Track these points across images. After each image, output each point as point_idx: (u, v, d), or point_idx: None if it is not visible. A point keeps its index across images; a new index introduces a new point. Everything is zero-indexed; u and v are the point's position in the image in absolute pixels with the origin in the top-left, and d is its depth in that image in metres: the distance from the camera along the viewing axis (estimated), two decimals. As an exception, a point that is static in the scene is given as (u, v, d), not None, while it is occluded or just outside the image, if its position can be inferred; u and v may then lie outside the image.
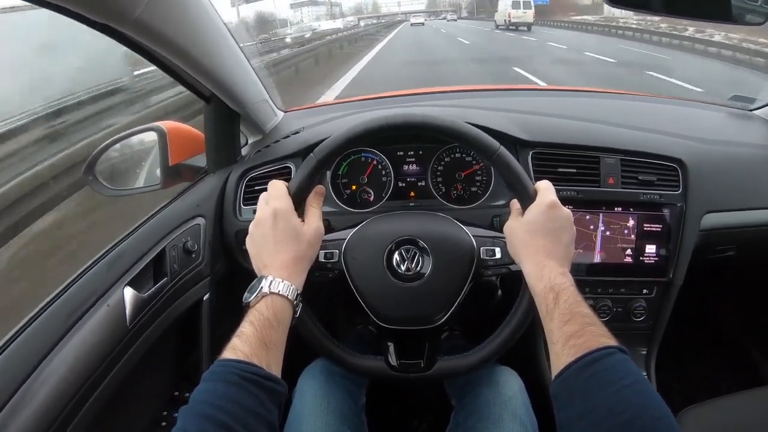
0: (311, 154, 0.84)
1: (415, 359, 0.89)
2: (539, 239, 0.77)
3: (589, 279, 1.12)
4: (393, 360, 0.89)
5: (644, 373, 1.21)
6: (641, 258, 1.11)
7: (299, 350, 0.91)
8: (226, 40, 0.97)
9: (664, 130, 1.20)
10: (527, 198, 0.80)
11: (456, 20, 58.29)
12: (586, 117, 1.23)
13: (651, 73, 10.04)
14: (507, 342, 0.86)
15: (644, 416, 0.54)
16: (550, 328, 0.68)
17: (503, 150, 0.83)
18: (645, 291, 1.15)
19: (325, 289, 0.97)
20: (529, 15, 27.23)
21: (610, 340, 0.62)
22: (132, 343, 0.87)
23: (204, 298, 1.07)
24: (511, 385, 0.96)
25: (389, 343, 0.91)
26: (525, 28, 26.60)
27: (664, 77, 9.38)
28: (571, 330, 0.64)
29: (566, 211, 0.78)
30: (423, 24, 44.42)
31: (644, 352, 1.23)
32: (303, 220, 0.81)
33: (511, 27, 27.31)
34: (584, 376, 0.59)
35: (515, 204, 0.83)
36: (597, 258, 1.10)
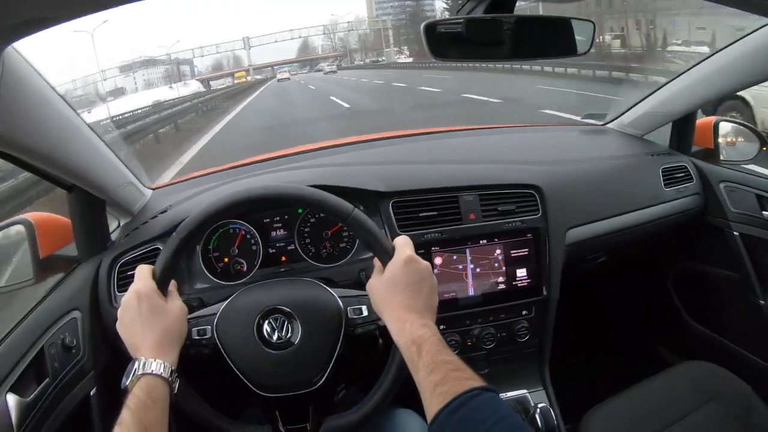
0: (173, 234, 0.86)
1: (302, 423, 0.91)
2: (398, 294, 0.80)
3: (468, 312, 1.17)
4: (280, 426, 0.91)
5: (540, 389, 1.28)
6: (514, 283, 1.18)
7: (194, 429, 0.90)
8: (79, 130, 0.96)
9: (519, 158, 1.29)
10: (385, 255, 0.83)
11: (336, 71, 45.00)
12: (443, 158, 1.30)
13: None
14: (388, 393, 0.89)
15: None
16: (417, 380, 0.71)
17: (357, 212, 0.86)
18: (524, 312, 1.22)
19: (211, 365, 0.97)
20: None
21: (476, 382, 0.66)
22: None
23: (91, 394, 1.04)
24: (411, 425, 0.99)
25: (276, 412, 0.93)
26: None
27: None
28: (436, 379, 0.67)
29: (424, 263, 0.82)
30: (289, 79, 39.33)
31: (536, 370, 1.30)
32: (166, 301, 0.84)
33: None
34: (454, 422, 0.62)
35: (377, 261, 0.86)
36: (471, 291, 1.16)
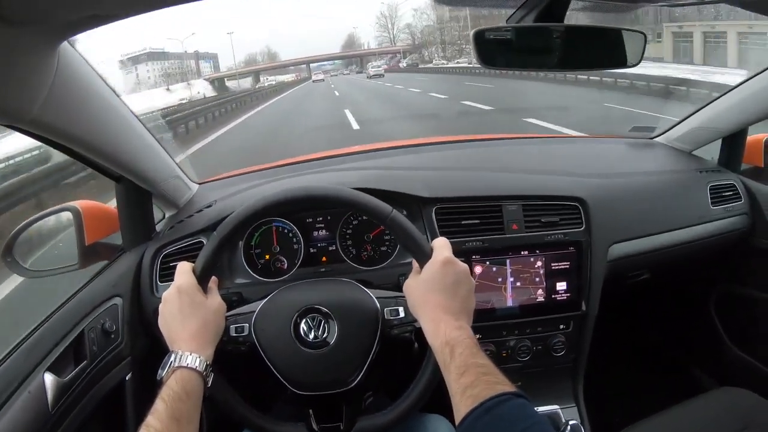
0: (214, 232, 0.87)
1: (335, 422, 0.90)
2: (435, 295, 0.79)
3: (505, 323, 1.16)
4: (314, 425, 0.90)
5: (573, 405, 1.25)
6: (553, 296, 1.16)
7: (226, 422, 0.91)
8: (130, 123, 0.98)
9: (564, 170, 1.27)
10: (423, 256, 0.82)
11: (383, 74, 34.08)
12: (487, 166, 1.29)
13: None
14: (422, 395, 0.88)
15: None
16: (448, 381, 0.70)
17: (395, 213, 0.86)
18: (562, 326, 1.20)
19: (247, 359, 0.99)
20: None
21: (506, 387, 0.65)
22: (56, 428, 0.87)
23: (126, 379, 1.06)
24: (441, 431, 0.98)
25: (309, 410, 0.92)
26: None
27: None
28: (467, 381, 0.67)
29: (462, 265, 0.81)
30: (323, 80, 35.59)
31: (570, 385, 1.27)
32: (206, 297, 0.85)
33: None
34: (481, 425, 0.61)
35: (415, 263, 0.86)
36: (510, 302, 1.15)
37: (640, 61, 1.06)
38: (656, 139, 1.56)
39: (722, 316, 1.58)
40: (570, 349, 1.21)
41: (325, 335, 0.89)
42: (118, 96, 0.95)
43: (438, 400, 0.89)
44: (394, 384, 1.10)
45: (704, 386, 1.60)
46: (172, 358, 0.77)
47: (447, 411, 1.01)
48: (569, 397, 1.26)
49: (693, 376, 1.69)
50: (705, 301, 1.60)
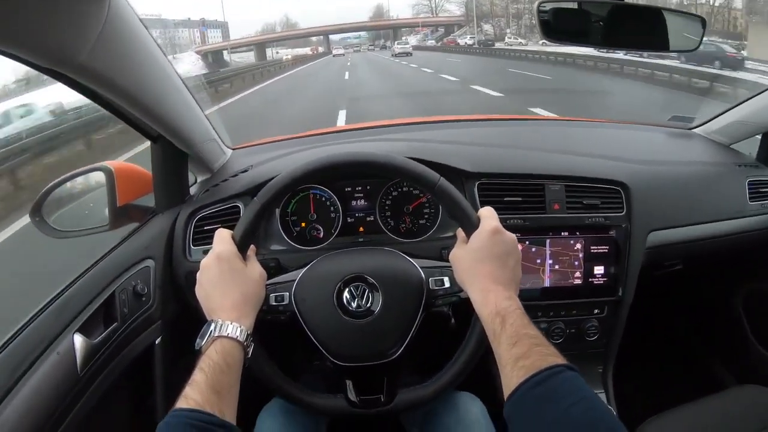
0: (254, 198, 0.85)
1: (375, 394, 0.89)
2: (484, 265, 0.77)
3: (540, 303, 1.15)
4: (353, 396, 0.89)
5: (601, 391, 1.24)
6: (590, 279, 1.14)
7: (257, 389, 0.90)
8: (172, 81, 0.96)
9: (607, 154, 1.25)
10: (470, 226, 0.80)
11: (411, 53, 31.10)
12: (530, 145, 1.27)
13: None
14: (465, 368, 0.87)
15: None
16: (498, 352, 0.68)
17: (443, 181, 0.84)
18: (596, 311, 1.19)
19: (281, 329, 0.97)
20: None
21: (559, 359, 0.63)
22: (84, 390, 0.86)
23: (156, 342, 1.05)
24: (473, 409, 0.97)
25: (348, 381, 0.91)
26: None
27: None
28: (519, 352, 0.65)
29: (510, 235, 0.79)
30: (343, 55, 35.56)
31: (600, 370, 1.26)
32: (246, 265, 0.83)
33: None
34: (533, 396, 0.60)
35: (461, 232, 0.84)
36: (547, 283, 1.13)
37: (698, 47, 1.05)
38: (695, 130, 1.53)
39: (750, 314, 1.57)
40: (603, 334, 1.20)
41: (369, 305, 0.87)
42: (163, 51, 0.92)
43: (469, 378, 0.88)
44: (425, 358, 1.09)
45: (726, 383, 1.60)
46: (211, 328, 0.74)
47: (478, 389, 1.00)
48: (598, 383, 1.26)
49: (716, 371, 1.68)
50: (733, 297, 1.59)
